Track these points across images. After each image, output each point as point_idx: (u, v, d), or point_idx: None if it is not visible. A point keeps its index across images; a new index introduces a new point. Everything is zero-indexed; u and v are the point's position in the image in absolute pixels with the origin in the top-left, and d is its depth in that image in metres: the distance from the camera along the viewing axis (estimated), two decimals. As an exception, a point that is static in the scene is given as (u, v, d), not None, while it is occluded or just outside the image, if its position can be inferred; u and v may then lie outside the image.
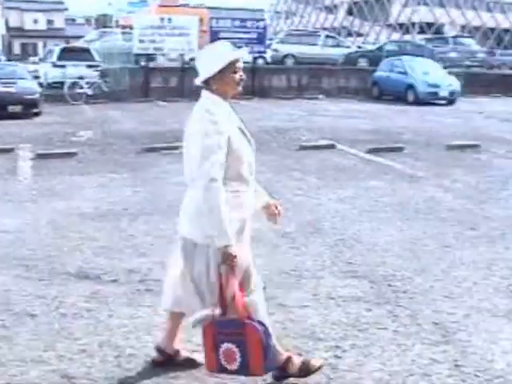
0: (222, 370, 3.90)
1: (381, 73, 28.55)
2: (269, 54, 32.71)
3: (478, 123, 19.54)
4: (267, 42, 31.71)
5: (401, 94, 26.63)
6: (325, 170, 11.49)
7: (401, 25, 69.88)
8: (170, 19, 27.59)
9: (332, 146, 13.74)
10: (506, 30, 68.22)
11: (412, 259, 6.82)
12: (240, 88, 3.98)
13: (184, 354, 4.44)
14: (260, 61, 31.23)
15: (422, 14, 68.27)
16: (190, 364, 4.39)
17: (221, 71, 3.84)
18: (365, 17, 74.63)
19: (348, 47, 37.43)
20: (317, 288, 5.97)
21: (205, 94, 3.93)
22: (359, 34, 70.80)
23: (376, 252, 7.03)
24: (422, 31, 64.69)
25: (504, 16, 70.83)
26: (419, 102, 25.38)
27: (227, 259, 3.71)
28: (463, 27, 68.75)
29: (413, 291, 5.93)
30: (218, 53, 3.90)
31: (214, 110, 3.83)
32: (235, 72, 3.90)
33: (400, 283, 6.12)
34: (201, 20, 30.49)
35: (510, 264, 6.74)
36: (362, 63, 33.03)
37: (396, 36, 63.33)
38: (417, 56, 29.95)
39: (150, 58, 28.31)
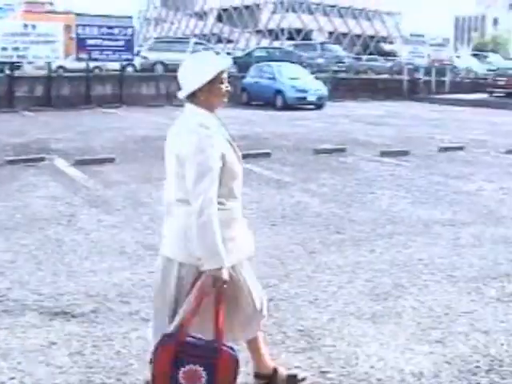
0: None
1: (250, 79, 28.80)
2: (138, 62, 32.36)
3: (345, 127, 20.01)
4: (136, 49, 31.33)
5: (270, 100, 26.93)
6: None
7: (270, 31, 71.03)
8: (34, 26, 26.69)
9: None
10: (372, 37, 70.62)
11: (278, 266, 6.82)
12: (226, 99, 3.80)
13: (283, 371, 4.31)
14: (129, 68, 30.85)
15: (291, 21, 69.64)
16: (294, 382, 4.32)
17: (210, 82, 3.63)
18: (234, 23, 75.37)
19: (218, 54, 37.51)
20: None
21: (190, 107, 3.70)
22: (229, 41, 71.37)
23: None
24: (290, 37, 65.99)
25: (369, 23, 73.29)
26: (288, 107, 25.75)
27: (217, 282, 3.53)
28: (331, 34, 70.65)
29: (278, 298, 5.92)
30: (207, 62, 3.69)
31: (207, 124, 3.64)
32: (222, 82, 3.71)
33: (266, 291, 6.07)
34: (68, 27, 29.77)
35: (374, 267, 6.86)
36: (232, 69, 33.20)
37: (265, 42, 64.26)
38: (285, 62, 30.42)
39: (14, 66, 27.32)
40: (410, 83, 36.81)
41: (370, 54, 58.46)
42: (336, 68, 37.65)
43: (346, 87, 33.31)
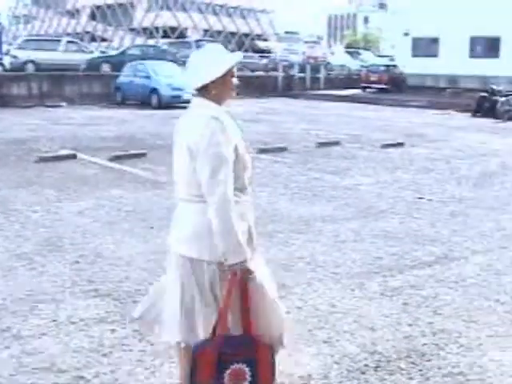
0: None
1: (124, 78, 28.20)
2: (7, 61, 31.10)
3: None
4: (5, 47, 30.08)
5: (145, 99, 26.46)
6: (65, 181, 10.88)
7: (145, 29, 70.19)
8: None
9: (73, 156, 13.12)
10: (246, 35, 71.02)
11: (157, 271, 6.50)
12: (235, 93, 3.71)
13: None
14: (-2, 68, 29.66)
15: (166, 19, 69.05)
16: None
17: (223, 75, 3.56)
18: (108, 21, 74.04)
19: (91, 52, 36.71)
20: (56, 312, 5.51)
21: (199, 100, 3.62)
22: (103, 39, 70.05)
23: (119, 267, 6.67)
24: (165, 35, 65.43)
25: (244, 21, 73.69)
26: (163, 105, 25.37)
27: (244, 274, 3.47)
28: (206, 31, 70.55)
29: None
30: (221, 55, 3.63)
31: (220, 117, 3.52)
32: (232, 76, 3.65)
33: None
34: None
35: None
36: (106, 68, 32.50)
37: (140, 40, 63.37)
38: (160, 60, 30.00)
39: None
40: (285, 80, 37.23)
41: (245, 51, 58.70)
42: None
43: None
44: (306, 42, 66.00)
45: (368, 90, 37.81)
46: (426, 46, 40.93)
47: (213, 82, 3.57)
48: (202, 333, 3.59)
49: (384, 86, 37.26)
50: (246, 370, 3.54)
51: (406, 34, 41.62)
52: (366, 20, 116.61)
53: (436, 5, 38.21)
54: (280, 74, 37.33)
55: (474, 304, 5.85)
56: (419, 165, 13.23)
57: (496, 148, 16.03)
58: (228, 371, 3.51)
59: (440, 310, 5.70)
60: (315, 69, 39.29)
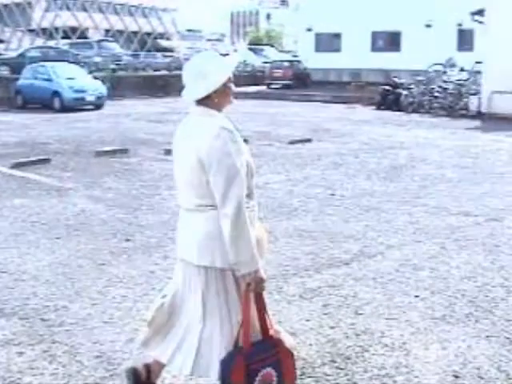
0: None
1: (24, 81, 27.21)
2: None
3: (126, 126, 19.41)
4: None
5: (47, 102, 25.61)
6: (-36, 192, 10.31)
7: (44, 30, 68.34)
8: None
9: (-28, 165, 12.51)
10: (149, 34, 70.14)
11: (66, 284, 6.20)
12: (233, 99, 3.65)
13: None
14: None
15: (65, 19, 67.40)
16: None
17: (224, 82, 3.52)
18: (5, 22, 71.75)
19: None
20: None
21: (202, 109, 3.54)
22: (0, 41, 67.84)
23: (25, 282, 6.28)
24: (66, 36, 63.87)
25: (146, 20, 72.74)
26: (66, 108, 24.64)
27: (259, 283, 3.48)
28: (107, 31, 69.31)
29: (69, 322, 5.34)
30: (221, 62, 3.55)
31: (229, 127, 3.47)
32: (231, 82, 3.59)
33: (54, 315, 5.48)
34: None
35: (169, 275, 6.43)
36: (4, 71, 31.44)
37: (40, 41, 61.63)
38: (61, 61, 29.16)
39: None
40: (190, 79, 36.82)
41: (148, 50, 57.98)
42: (114, 66, 36.80)
43: (125, 85, 32.66)
44: (209, 40, 65.85)
45: (273, 86, 37.91)
46: (328, 41, 41.40)
47: (215, 91, 3.50)
48: (220, 348, 3.58)
49: (288, 82, 37.44)
50: (273, 372, 3.60)
51: (309, 30, 41.99)
52: (268, 16, 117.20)
53: (338, 0, 38.71)
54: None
55: (394, 301, 5.77)
56: (328, 160, 13.22)
57: (402, 140, 16.22)
58: (258, 378, 3.55)
59: (361, 309, 5.59)
60: (219, 66, 39.05)
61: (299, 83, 37.35)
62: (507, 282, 6.29)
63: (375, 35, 40.04)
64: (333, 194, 10.03)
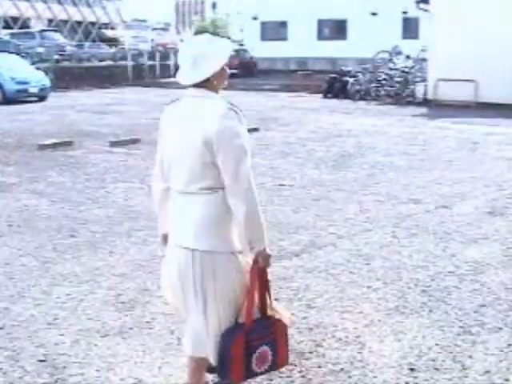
0: (251, 375, 3.68)
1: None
2: None
3: (71, 118, 18.96)
4: None
5: (-13, 94, 24.90)
6: None
7: (-17, 20, 66.84)
8: None
9: None
10: (93, 23, 69.17)
11: (7, 285, 5.95)
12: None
13: None
14: None
15: (7, 8, 65.94)
16: None
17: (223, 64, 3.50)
18: None
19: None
20: None
21: (201, 91, 3.47)
22: None
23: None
24: (7, 26, 62.49)
25: (90, 10, 71.66)
26: (8, 100, 23.97)
27: (267, 259, 3.52)
28: (50, 21, 68.05)
29: (11, 325, 5.10)
30: (220, 45, 3.49)
31: (235, 108, 3.40)
32: (226, 64, 3.53)
33: (-6, 317, 5.24)
34: None
35: (116, 271, 6.26)
36: None
37: (-21, 32, 60.19)
38: (2, 52, 28.42)
39: None
40: (135, 69, 36.46)
41: (93, 41, 57.13)
42: (58, 57, 36.12)
43: (69, 76, 32.10)
44: (155, 30, 65.17)
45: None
46: (274, 30, 41.35)
47: (214, 73, 3.46)
48: (216, 326, 3.55)
49: (235, 71, 37.08)
50: (269, 351, 3.63)
51: (255, 19, 41.85)
52: (214, 5, 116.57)
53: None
54: (129, 62, 36.49)
55: (346, 293, 5.67)
56: (276, 149, 13.10)
57: (350, 128, 16.20)
58: (255, 355, 3.58)
59: (313, 302, 5.48)
60: (165, 56, 38.70)
61: (245, 72, 37.19)
62: (459, 270, 6.26)
63: (321, 23, 40.15)
64: (282, 184, 9.91)
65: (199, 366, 3.77)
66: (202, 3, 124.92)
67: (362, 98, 24.16)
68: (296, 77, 33.83)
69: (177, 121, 3.51)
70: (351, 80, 25.26)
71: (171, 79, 35.33)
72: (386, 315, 5.22)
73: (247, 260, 3.53)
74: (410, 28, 37.15)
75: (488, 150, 13.26)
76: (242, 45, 43.99)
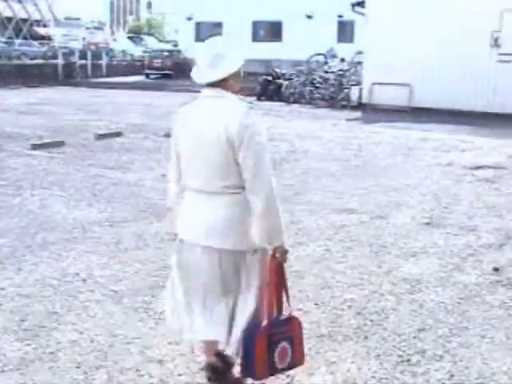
0: (274, 372, 3.75)
1: None
2: None
3: (-7, 118, 18.03)
4: None
5: None
6: None
7: None
8: None
9: None
10: (24, 20, 67.43)
11: None
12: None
13: None
14: None
15: None
16: None
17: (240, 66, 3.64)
18: None
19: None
20: None
21: (218, 91, 3.57)
22: None
23: None
24: None
25: (21, 6, 69.85)
26: None
27: (284, 254, 3.63)
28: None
29: None
30: (236, 46, 3.64)
31: (252, 108, 3.58)
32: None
33: None
34: None
35: (22, 291, 5.64)
36: None
37: None
38: None
39: None
40: (66, 68, 35.37)
41: (24, 38, 55.57)
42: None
43: (-4, 74, 30.91)
44: (88, 28, 63.87)
45: (152, 76, 36.94)
46: (209, 31, 40.71)
47: (233, 73, 3.57)
48: (241, 320, 3.68)
49: (168, 72, 36.60)
50: (288, 346, 3.71)
51: (189, 19, 41.22)
52: (149, 5, 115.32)
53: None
54: (60, 61, 35.38)
55: (274, 316, 5.17)
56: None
57: (283, 132, 15.72)
58: (277, 350, 3.66)
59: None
60: (97, 55, 37.75)
61: (179, 73, 36.48)
62: (396, 289, 5.84)
63: (256, 25, 39.76)
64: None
65: (214, 344, 3.94)
66: (137, 3, 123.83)
67: (296, 101, 23.80)
68: (230, 78, 33.25)
69: (196, 121, 3.59)
70: (286, 82, 24.89)
71: (103, 79, 34.54)
72: (318, 342, 4.74)
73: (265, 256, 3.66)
74: (345, 31, 37.05)
75: (423, 156, 12.99)
76: (176, 45, 43.32)
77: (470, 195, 9.78)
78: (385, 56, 21.00)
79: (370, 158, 12.47)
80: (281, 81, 25.18)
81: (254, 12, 37.82)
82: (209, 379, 3.98)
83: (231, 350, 3.77)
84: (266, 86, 25.39)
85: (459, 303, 5.61)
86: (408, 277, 6.13)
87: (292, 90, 24.58)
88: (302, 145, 13.84)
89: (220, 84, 3.54)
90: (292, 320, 3.79)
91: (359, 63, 24.66)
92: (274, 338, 3.64)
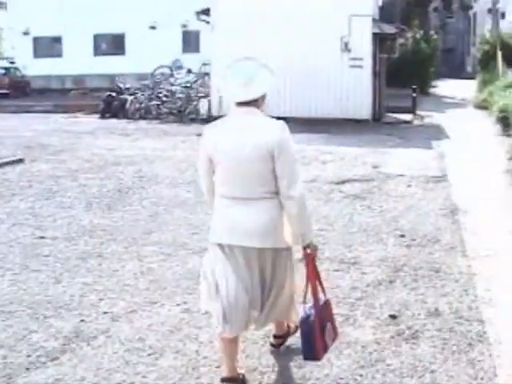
0: (327, 350, 4.25)
1: None
2: None
3: None
4: None
5: None
6: None
7: None
8: None
9: None
10: None
11: None
12: None
13: None
14: None
15: None
16: None
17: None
18: None
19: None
20: None
21: (252, 109, 4.03)
22: None
23: None
24: None
25: None
26: None
27: (315, 250, 4.17)
28: None
29: None
30: (268, 69, 4.10)
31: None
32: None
33: None
34: None
35: None
36: None
37: None
38: None
39: None
40: None
41: None
42: None
43: None
44: None
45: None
46: (48, 46, 38.59)
47: (264, 94, 4.10)
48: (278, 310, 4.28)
49: (5, 91, 34.02)
50: (330, 327, 4.21)
51: (26, 34, 38.78)
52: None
53: (56, 1, 36.05)
54: None
55: None
56: (41, 187, 10.76)
57: (129, 154, 14.21)
58: (326, 331, 4.15)
59: None
60: None
61: (18, 92, 34.22)
62: (278, 363, 4.56)
63: (98, 38, 37.97)
64: (42, 237, 7.78)
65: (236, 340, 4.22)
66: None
67: (142, 117, 22.27)
68: (72, 96, 31.33)
69: (234, 135, 4.00)
70: (130, 98, 23.31)
71: None
72: None
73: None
74: (190, 41, 35.95)
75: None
76: (13, 63, 40.56)
77: (341, 217, 8.80)
78: (233, 65, 19.96)
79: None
80: (125, 96, 23.60)
81: (94, 25, 36.02)
82: None
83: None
84: (110, 102, 23.70)
85: (361, 376, 4.42)
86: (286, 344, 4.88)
87: (138, 106, 23.07)
88: (150, 168, 12.37)
89: (251, 103, 4.01)
90: (328, 304, 4.28)
91: (207, 74, 23.49)
92: (322, 322, 4.12)
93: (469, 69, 40.86)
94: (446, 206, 9.45)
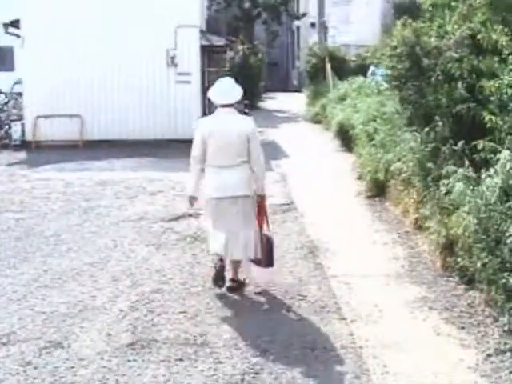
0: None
1: None
2: None
3: None
4: None
5: None
6: None
7: None
8: None
9: None
10: None
11: None
12: None
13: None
14: None
15: None
16: None
17: None
18: None
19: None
20: None
21: (231, 109, 6.45)
22: None
23: None
24: None
25: None
26: None
27: (265, 198, 6.66)
28: None
29: None
30: (239, 85, 6.70)
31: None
32: None
33: None
34: None
35: None
36: None
37: None
38: None
39: None
40: None
41: None
42: None
43: None
44: None
45: None
46: None
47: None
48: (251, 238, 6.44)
49: None
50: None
51: None
52: None
53: None
54: None
55: None
56: None
57: None
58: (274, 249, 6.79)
59: None
60: None
61: None
62: None
63: None
64: None
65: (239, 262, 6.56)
66: None
67: (4, 146, 19.28)
68: None
69: (223, 126, 6.35)
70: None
71: None
72: None
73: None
74: (3, 59, 33.05)
75: (106, 208, 10.05)
76: None
77: (179, 269, 7.07)
78: (48, 84, 17.66)
79: (37, 223, 9.16)
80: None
81: None
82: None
83: (250, 256, 6.39)
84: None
85: None
86: None
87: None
88: None
89: (231, 105, 6.42)
90: (268, 236, 6.65)
91: (20, 94, 20.98)
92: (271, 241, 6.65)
93: (294, 82, 40.48)
94: (302, 244, 8.06)
